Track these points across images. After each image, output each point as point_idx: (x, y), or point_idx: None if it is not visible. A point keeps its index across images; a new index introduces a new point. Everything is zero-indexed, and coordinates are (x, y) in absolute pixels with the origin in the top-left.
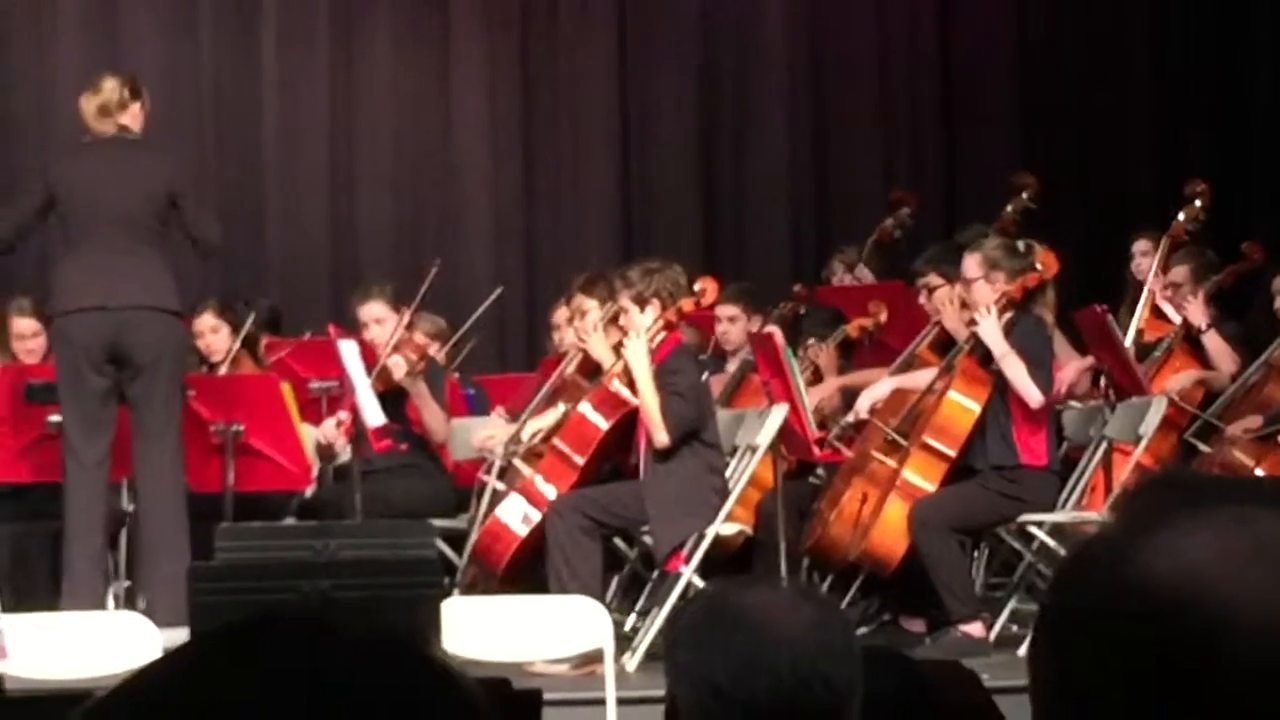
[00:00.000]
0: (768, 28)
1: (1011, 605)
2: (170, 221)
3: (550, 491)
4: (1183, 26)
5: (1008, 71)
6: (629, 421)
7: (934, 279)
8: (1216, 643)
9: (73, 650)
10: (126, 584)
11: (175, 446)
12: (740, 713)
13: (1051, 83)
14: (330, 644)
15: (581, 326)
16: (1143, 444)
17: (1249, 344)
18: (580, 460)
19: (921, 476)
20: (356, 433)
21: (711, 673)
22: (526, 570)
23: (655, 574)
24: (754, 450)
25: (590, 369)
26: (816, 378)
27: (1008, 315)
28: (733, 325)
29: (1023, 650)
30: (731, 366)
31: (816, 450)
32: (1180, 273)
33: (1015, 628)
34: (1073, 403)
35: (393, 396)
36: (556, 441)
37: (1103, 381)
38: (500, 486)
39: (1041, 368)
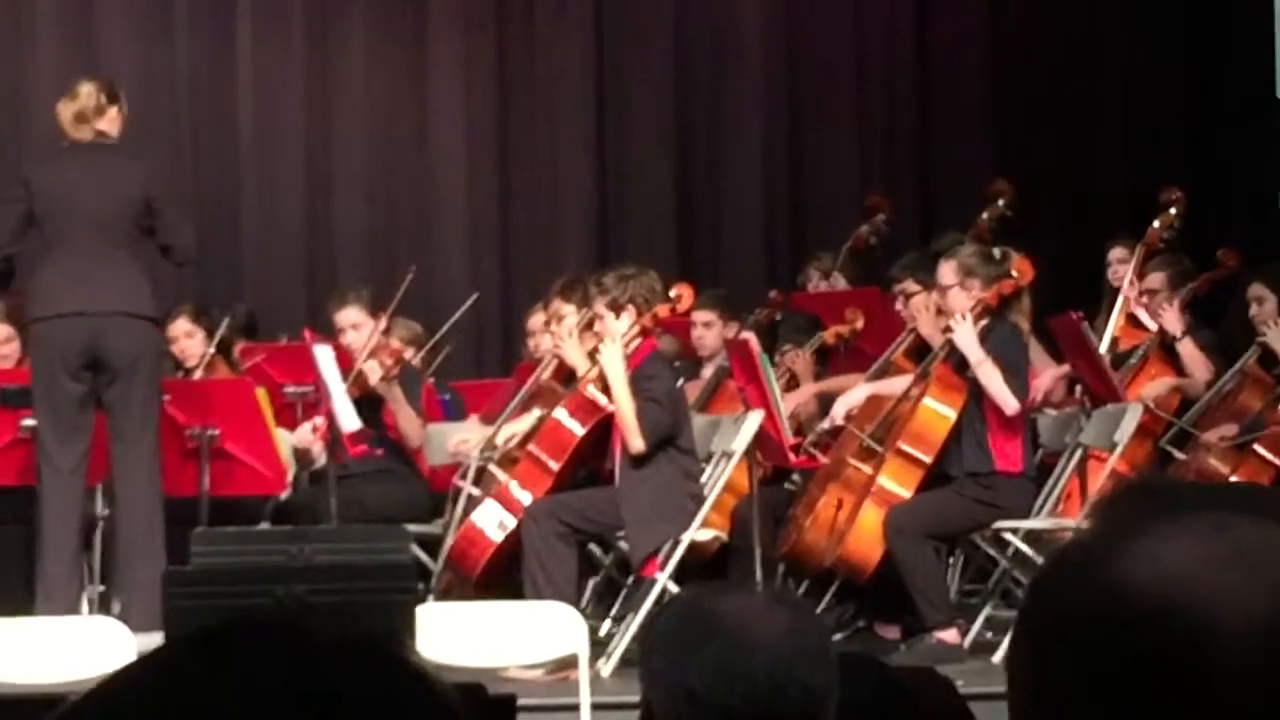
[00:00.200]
0: (744, 32)
1: (986, 612)
2: (147, 227)
3: (525, 497)
4: (1157, 34)
5: (983, 79)
6: (604, 427)
7: (911, 285)
8: (1196, 649)
9: (47, 655)
10: (101, 589)
11: (152, 452)
12: (715, 718)
13: (1027, 90)
14: (305, 649)
15: (558, 332)
16: (1118, 451)
17: (1224, 352)
18: (555, 466)
19: (897, 483)
20: (332, 438)
21: (687, 678)
22: (502, 576)
23: (630, 580)
24: (729, 456)
25: (566, 374)
26: (793, 384)
27: (983, 322)
28: (708, 331)
29: (998, 657)
30: (707, 372)
31: (792, 456)
32: (1156, 279)
33: (990, 634)
34: (1048, 410)
35: (369, 401)
36: (532, 447)
37: (1078, 389)
38: (475, 492)
39: (1017, 375)
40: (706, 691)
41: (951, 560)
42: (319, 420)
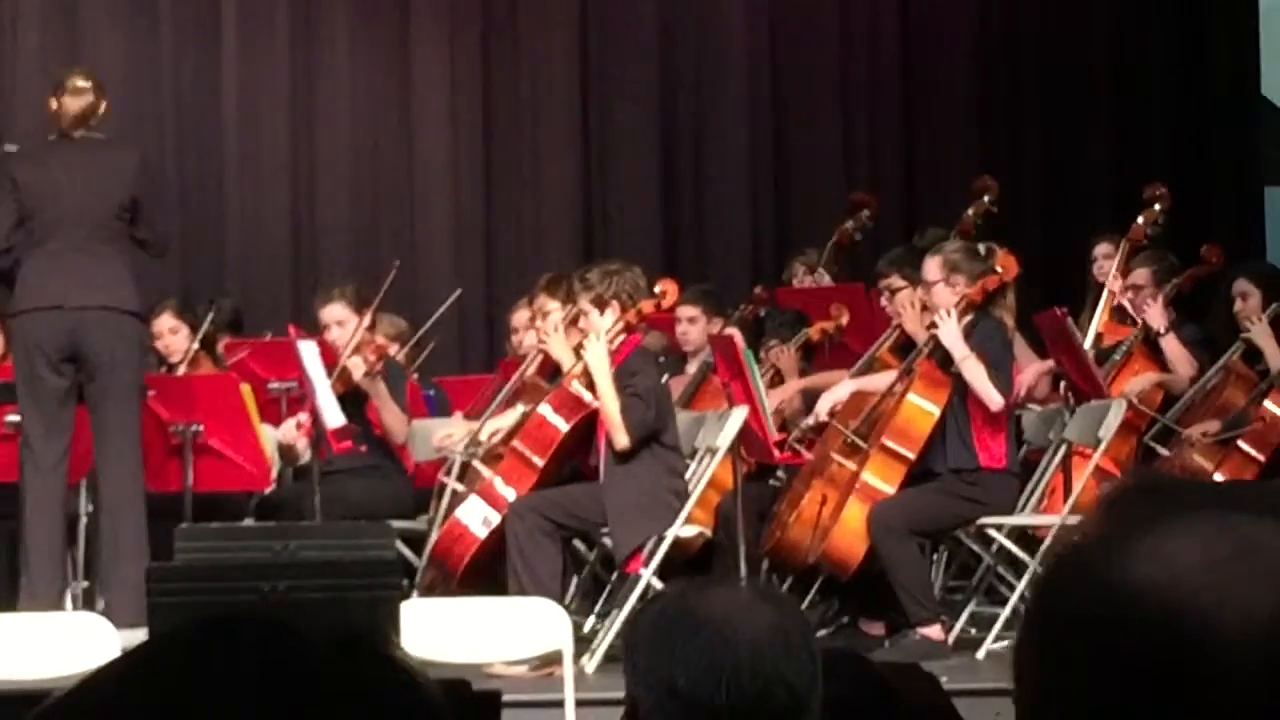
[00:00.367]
0: (729, 28)
1: (971, 608)
2: (131, 221)
3: (510, 493)
4: (1142, 31)
5: (968, 74)
6: (589, 423)
7: (896, 281)
8: (1201, 647)
9: (30, 651)
10: (85, 585)
11: (134, 447)
12: (700, 714)
13: (1012, 86)
14: (289, 645)
15: (543, 327)
16: (1102, 447)
17: (1208, 348)
18: (540, 462)
19: (881, 479)
20: (316, 434)
21: (671, 675)
22: (486, 572)
23: (615, 576)
24: (714, 452)
25: (550, 370)
26: (777, 380)
27: (968, 318)
28: (693, 326)
29: (982, 653)
30: (691, 368)
31: (776, 452)
32: (1141, 275)
33: (974, 630)
34: (1032, 406)
35: (353, 397)
36: (516, 443)
37: (1062, 385)
38: (459, 488)
39: (1001, 371)
40: (691, 688)
41: (935, 556)
42: (303, 416)
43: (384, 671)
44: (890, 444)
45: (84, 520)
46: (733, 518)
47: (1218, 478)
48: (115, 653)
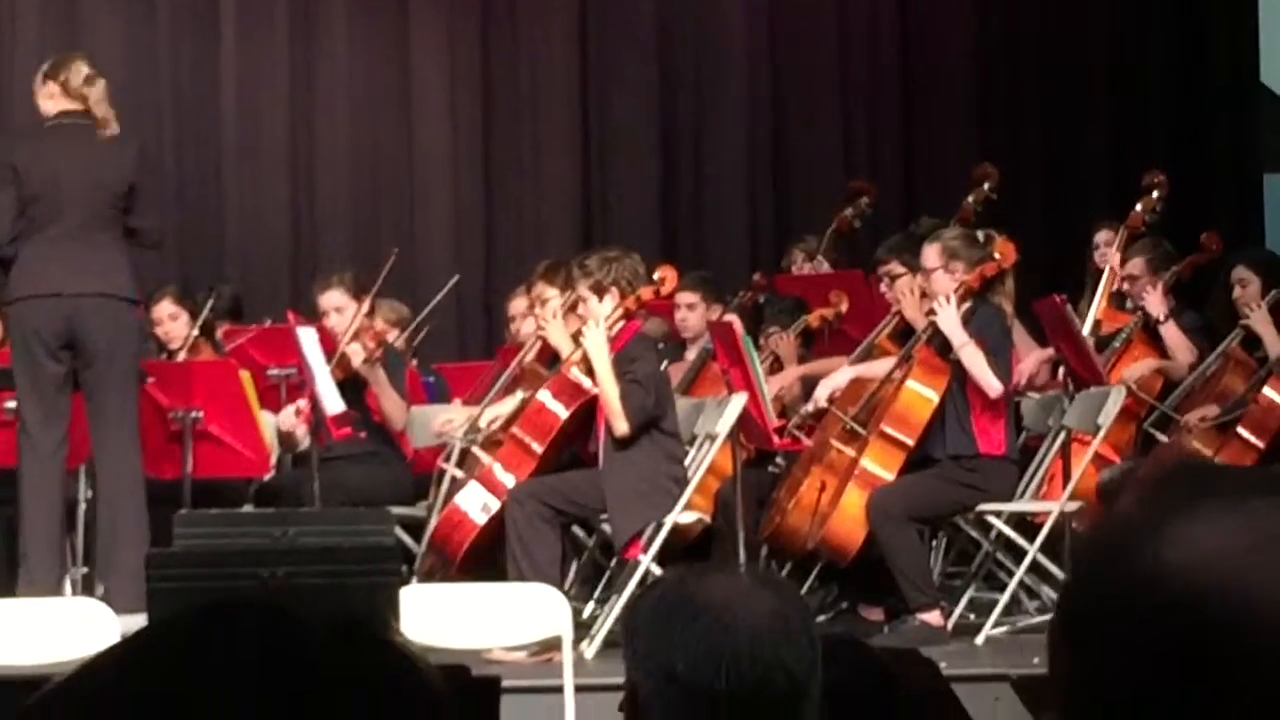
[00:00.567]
0: (729, 15)
1: (969, 594)
2: (127, 209)
3: (509, 480)
4: (1141, 18)
5: (968, 61)
6: (588, 410)
7: (896, 267)
8: (1236, 632)
9: (30, 636)
10: (84, 571)
11: (132, 433)
12: (699, 700)
13: (1011, 73)
14: (289, 630)
15: (542, 314)
16: (1101, 434)
17: (1207, 335)
18: (539, 448)
19: (880, 465)
20: (316, 420)
21: (670, 660)
22: (485, 558)
23: (614, 562)
24: (713, 439)
25: (549, 357)
26: (777, 366)
27: (966, 305)
28: (692, 313)
29: (980, 639)
30: (691, 355)
31: (775, 439)
32: (1136, 264)
33: (973, 616)
34: (1031, 393)
35: (352, 384)
36: (515, 430)
37: (1061, 371)
38: (459, 474)
39: (1000, 357)
40: (690, 673)
41: (935, 543)
42: (302, 403)
43: (383, 657)
44: (889, 430)
45: (83, 506)
46: (732, 504)
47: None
48: (114, 638)
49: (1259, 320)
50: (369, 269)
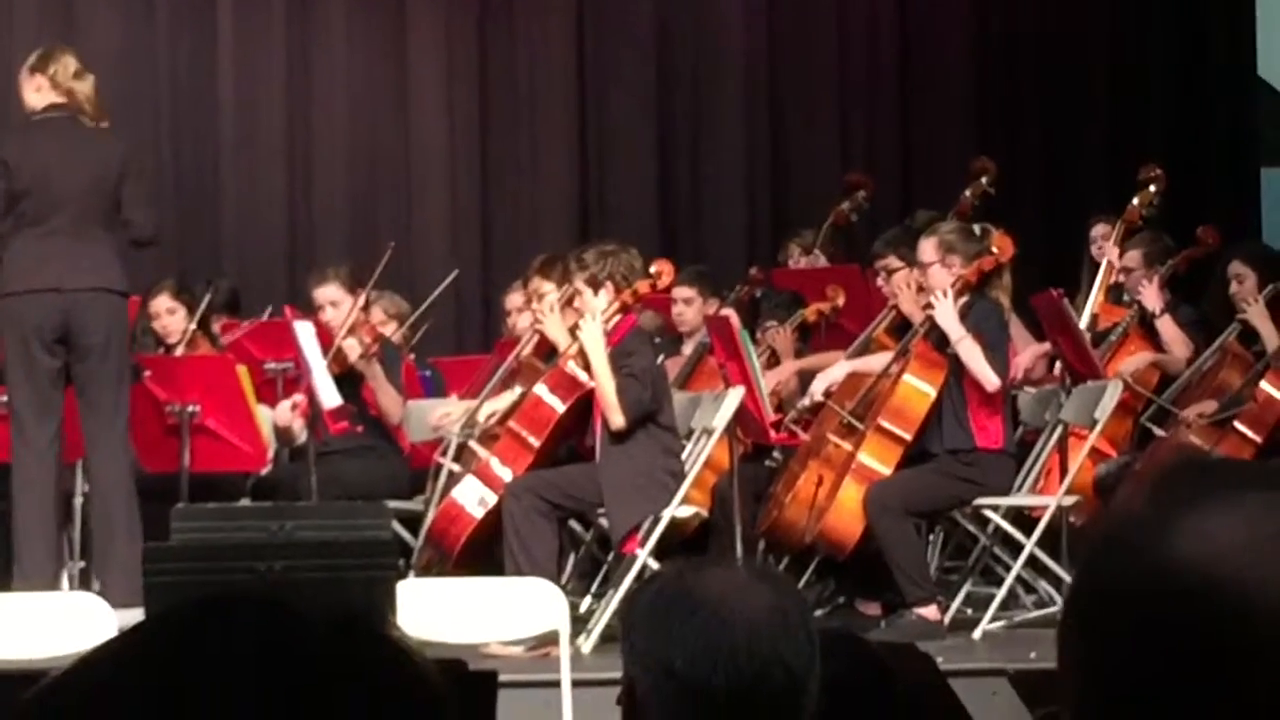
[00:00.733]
0: (726, 12)
1: (966, 588)
2: (119, 203)
3: (506, 474)
4: (1140, 11)
5: (966, 55)
6: (585, 404)
7: (893, 261)
8: (1247, 624)
9: (27, 630)
10: (82, 565)
11: (125, 427)
12: (697, 695)
13: (1009, 67)
14: (286, 625)
15: (539, 308)
16: (1098, 428)
17: (1203, 329)
18: (536, 442)
19: (877, 460)
20: (313, 414)
21: (668, 655)
22: (482, 552)
23: (611, 556)
24: (710, 433)
25: (546, 351)
26: (773, 361)
27: (963, 299)
28: (689, 308)
29: (977, 634)
30: (687, 349)
31: (773, 433)
32: (1133, 258)
33: (970, 611)
34: (1028, 387)
35: (349, 378)
36: (512, 423)
37: (1058, 366)
38: (456, 468)
39: (997, 352)
40: (688, 669)
41: (931, 537)
42: (299, 397)
43: (381, 651)
44: (886, 425)
45: (80, 500)
46: (729, 498)
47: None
48: (112, 633)
49: (1256, 315)
50: (366, 263)
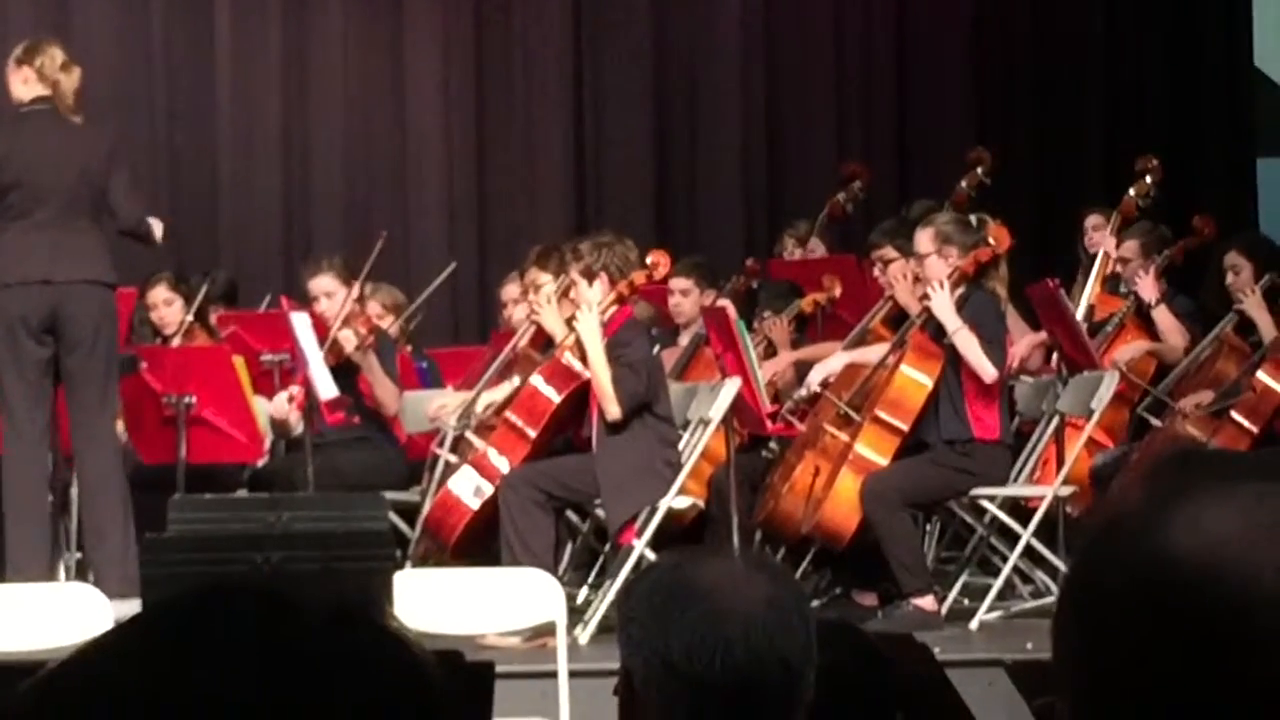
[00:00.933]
0: (723, 1)
1: (963, 579)
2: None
3: (502, 464)
4: (1137, 2)
5: (962, 46)
6: (581, 395)
7: (889, 252)
8: (1242, 615)
9: (24, 621)
10: (78, 556)
11: (113, 418)
12: (694, 685)
13: (1005, 58)
14: (282, 615)
15: (535, 299)
16: (1094, 418)
17: (1200, 319)
18: (532, 433)
19: (874, 450)
20: (309, 405)
21: (666, 647)
22: (479, 543)
23: (607, 547)
24: (706, 424)
25: (543, 342)
26: (770, 351)
27: (960, 290)
28: (685, 299)
29: (974, 624)
30: (684, 340)
31: (769, 424)
32: (1130, 247)
33: (967, 601)
34: (1025, 377)
35: (344, 369)
36: (508, 414)
37: (1055, 356)
38: (452, 459)
39: (994, 343)
40: (685, 659)
41: (928, 527)
42: (294, 390)
43: (379, 642)
44: (883, 415)
45: (76, 490)
46: (725, 489)
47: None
48: (108, 624)
49: (1253, 305)
50: (362, 255)
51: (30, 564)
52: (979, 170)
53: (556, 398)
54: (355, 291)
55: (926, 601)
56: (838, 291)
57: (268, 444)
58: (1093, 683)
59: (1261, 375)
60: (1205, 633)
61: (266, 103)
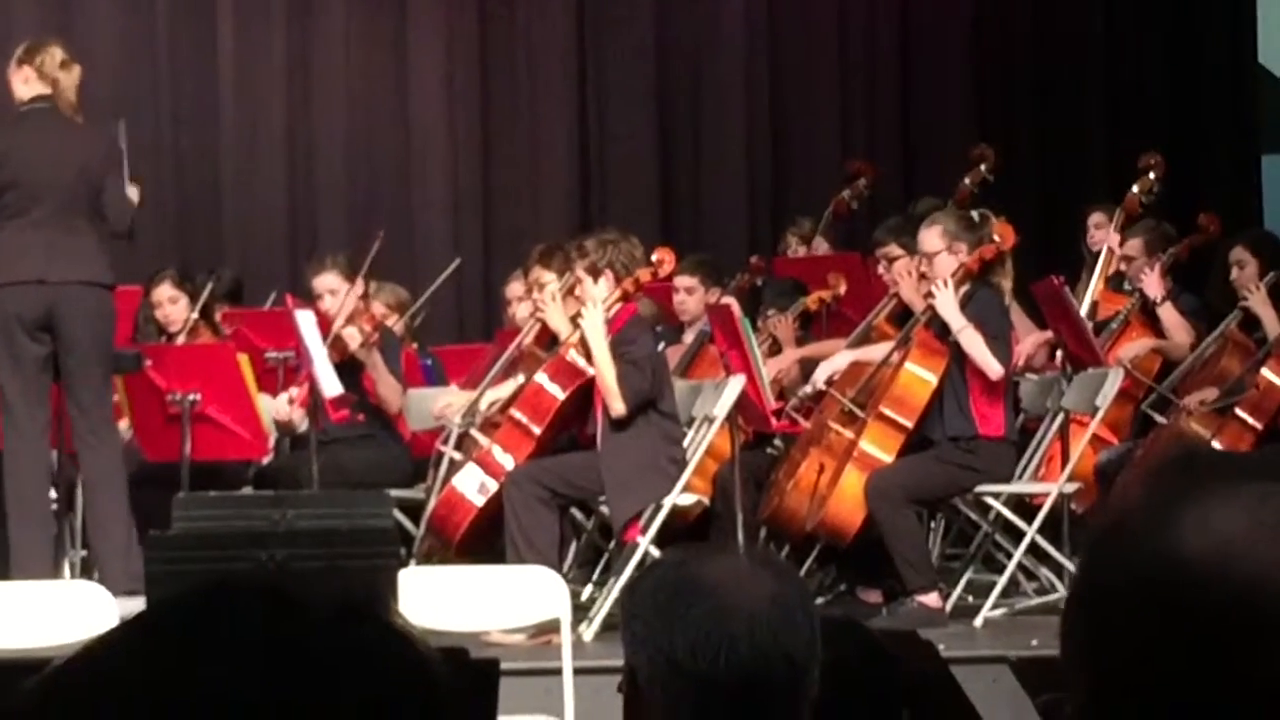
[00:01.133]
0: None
1: (968, 576)
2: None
3: (507, 461)
4: None
5: (965, 43)
6: (586, 392)
7: (894, 249)
8: (1248, 612)
9: (29, 619)
10: (84, 553)
11: (110, 417)
12: (698, 682)
13: (1008, 55)
14: (287, 612)
15: (540, 297)
16: (1099, 415)
17: (1205, 316)
18: (537, 430)
19: (878, 447)
20: (313, 403)
21: (670, 644)
22: (484, 540)
23: (612, 544)
24: (711, 421)
25: (547, 340)
26: (775, 349)
27: (965, 288)
28: (690, 296)
29: (979, 621)
30: (688, 337)
31: (774, 421)
32: (1134, 245)
33: (971, 598)
34: (1029, 374)
35: (349, 367)
36: (513, 411)
37: (1059, 353)
38: (457, 456)
39: (999, 340)
40: (689, 656)
41: (933, 524)
42: (295, 390)
43: (383, 639)
44: (888, 412)
45: (80, 488)
46: (730, 486)
47: (1215, 446)
48: (113, 621)
49: (1258, 302)
50: (366, 252)
51: (32, 561)
52: (983, 167)
53: (561, 395)
54: (358, 289)
55: (931, 598)
56: (842, 289)
57: (272, 441)
58: (1100, 681)
59: (1266, 372)
60: (1213, 631)
61: (270, 100)
